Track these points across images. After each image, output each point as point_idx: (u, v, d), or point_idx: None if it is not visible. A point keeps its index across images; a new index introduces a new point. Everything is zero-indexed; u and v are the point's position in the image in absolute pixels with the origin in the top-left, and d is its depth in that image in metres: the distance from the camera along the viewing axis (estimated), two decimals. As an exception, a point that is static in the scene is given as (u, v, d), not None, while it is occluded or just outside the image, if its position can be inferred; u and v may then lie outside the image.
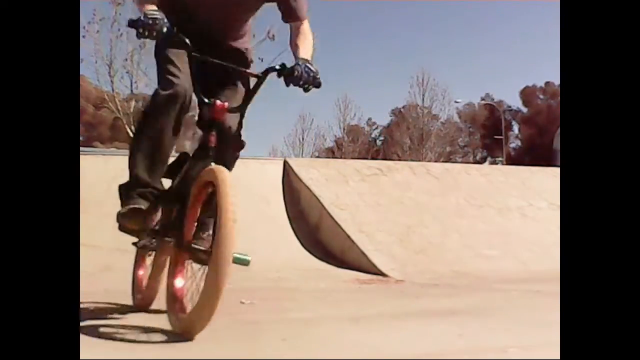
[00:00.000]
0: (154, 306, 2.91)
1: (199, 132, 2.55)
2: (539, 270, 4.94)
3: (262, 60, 12.28)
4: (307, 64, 2.48)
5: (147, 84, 12.14)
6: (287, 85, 2.49)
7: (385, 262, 4.79)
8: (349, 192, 6.00)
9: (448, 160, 30.35)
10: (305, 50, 2.62)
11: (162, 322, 2.37)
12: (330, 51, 60.24)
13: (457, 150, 39.71)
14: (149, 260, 2.99)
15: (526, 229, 5.99)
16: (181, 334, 2.16)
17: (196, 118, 2.54)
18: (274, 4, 2.69)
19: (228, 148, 2.61)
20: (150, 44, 11.39)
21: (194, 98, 2.49)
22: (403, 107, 32.75)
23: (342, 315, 2.98)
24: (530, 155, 41.14)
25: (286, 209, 5.91)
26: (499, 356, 1.97)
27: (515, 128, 49.06)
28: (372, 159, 26.31)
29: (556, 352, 1.50)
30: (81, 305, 2.41)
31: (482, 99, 46.62)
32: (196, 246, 2.36)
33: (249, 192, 6.05)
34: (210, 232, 2.46)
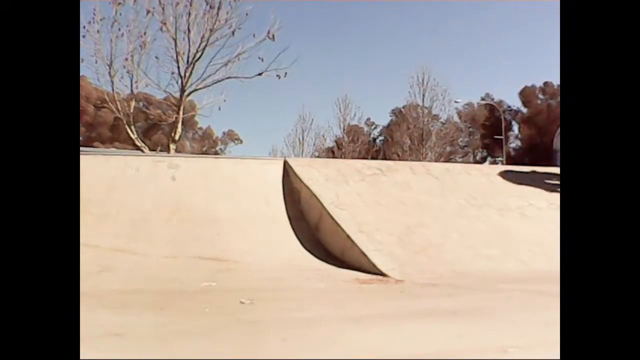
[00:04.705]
0: (154, 307, 2.91)
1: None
2: (539, 270, 4.93)
3: (262, 60, 12.26)
4: None
5: (147, 84, 12.13)
6: None
7: (385, 262, 4.78)
8: (349, 192, 6.00)
9: (448, 160, 30.30)
10: None
11: (162, 322, 2.36)
12: (331, 51, 60.27)
13: (457, 150, 39.67)
14: None
15: (526, 229, 5.98)
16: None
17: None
18: None
19: None
20: (151, 44, 11.13)
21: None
22: (403, 107, 32.75)
23: (342, 315, 2.98)
24: (530, 155, 41.12)
25: (286, 209, 5.91)
26: (499, 356, 1.97)
27: (515, 128, 49.12)
28: (372, 159, 26.27)
29: (556, 352, 1.50)
30: (81, 306, 2.42)
31: (482, 99, 46.64)
32: None
33: (249, 192, 6.06)
34: None
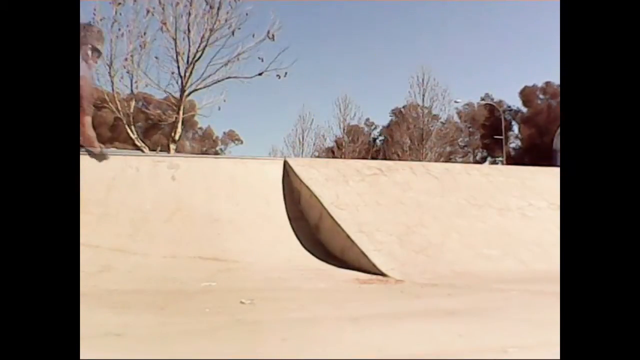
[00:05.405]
0: (154, 307, 2.91)
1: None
2: (539, 270, 4.93)
3: (262, 61, 12.26)
4: None
5: (147, 84, 12.14)
6: None
7: (385, 262, 4.78)
8: (349, 192, 6.00)
9: (448, 160, 30.31)
10: None
11: (162, 322, 2.36)
12: (331, 51, 60.28)
13: (457, 150, 39.69)
14: None
15: (526, 229, 5.98)
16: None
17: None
18: None
19: None
20: (151, 44, 11.15)
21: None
22: (403, 107, 32.73)
23: (342, 315, 2.98)
24: (530, 155, 41.11)
25: (286, 209, 5.91)
26: (499, 356, 1.97)
27: (515, 128, 49.13)
28: (372, 159, 26.26)
29: (556, 352, 1.50)
30: (81, 306, 2.42)
31: (482, 99, 46.64)
32: None
33: (249, 192, 6.06)
34: None
